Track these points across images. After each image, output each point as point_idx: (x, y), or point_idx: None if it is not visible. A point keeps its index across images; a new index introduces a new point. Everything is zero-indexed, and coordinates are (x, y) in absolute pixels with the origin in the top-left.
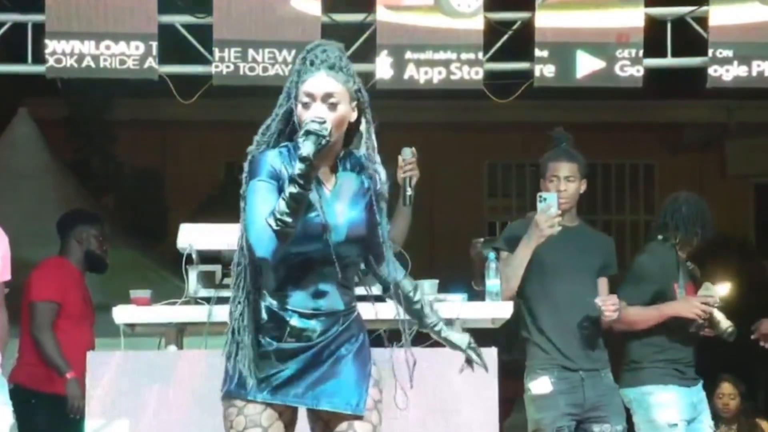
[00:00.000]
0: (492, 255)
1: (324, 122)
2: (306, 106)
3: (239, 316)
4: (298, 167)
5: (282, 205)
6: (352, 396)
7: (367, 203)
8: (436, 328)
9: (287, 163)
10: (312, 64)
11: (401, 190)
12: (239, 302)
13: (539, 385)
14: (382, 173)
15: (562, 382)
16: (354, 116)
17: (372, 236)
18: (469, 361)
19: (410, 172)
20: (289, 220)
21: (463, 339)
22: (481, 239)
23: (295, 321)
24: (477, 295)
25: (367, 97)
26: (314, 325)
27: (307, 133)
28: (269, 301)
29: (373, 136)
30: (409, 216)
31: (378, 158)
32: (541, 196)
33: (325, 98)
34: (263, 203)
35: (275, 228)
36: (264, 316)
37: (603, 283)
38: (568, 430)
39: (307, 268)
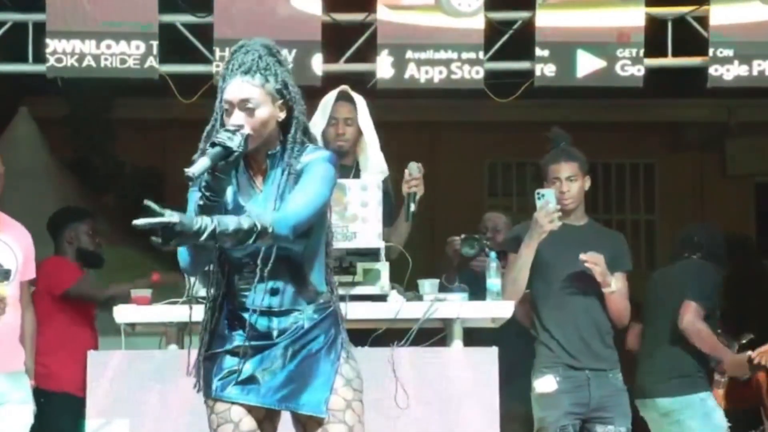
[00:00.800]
0: (493, 254)
1: (240, 128)
2: (227, 113)
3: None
4: (205, 179)
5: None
6: (313, 397)
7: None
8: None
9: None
10: (231, 69)
11: (404, 204)
12: (207, 305)
13: (544, 383)
14: (314, 157)
15: (566, 381)
16: (282, 114)
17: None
18: None
19: (415, 188)
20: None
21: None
22: (457, 237)
23: (253, 319)
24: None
25: (297, 92)
26: (271, 323)
27: (213, 144)
28: (232, 301)
29: (300, 131)
30: (407, 231)
31: (311, 148)
32: (538, 193)
33: (241, 105)
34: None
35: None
36: (228, 316)
37: (616, 278)
38: (572, 429)
39: (255, 267)
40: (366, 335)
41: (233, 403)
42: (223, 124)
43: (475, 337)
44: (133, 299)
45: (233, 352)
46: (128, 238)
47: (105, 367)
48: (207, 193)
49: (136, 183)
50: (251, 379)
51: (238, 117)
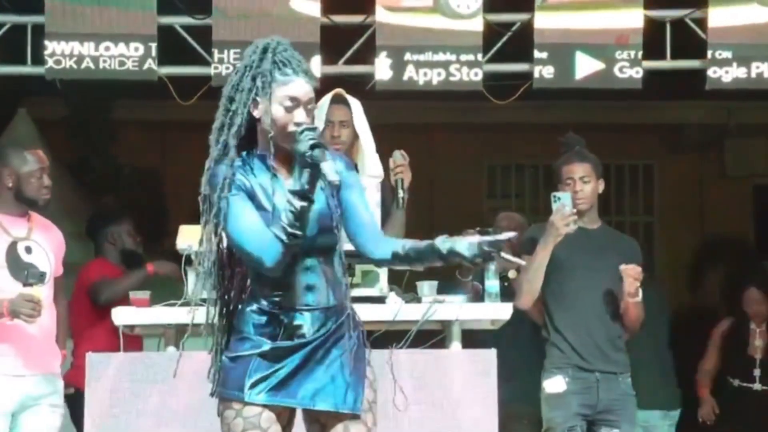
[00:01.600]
0: None
1: (315, 128)
2: (288, 110)
3: (215, 319)
4: (305, 179)
5: (291, 218)
6: (348, 396)
7: (329, 192)
8: (442, 247)
9: (244, 173)
10: (286, 65)
11: (393, 193)
12: (215, 305)
13: (553, 384)
14: (339, 161)
15: (576, 382)
16: None
17: (348, 222)
18: (491, 247)
19: (401, 174)
20: (299, 233)
21: (471, 244)
22: (472, 230)
23: (288, 318)
24: (465, 287)
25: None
26: (306, 321)
27: (314, 147)
28: (261, 301)
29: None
30: (402, 218)
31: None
32: (555, 196)
33: (306, 104)
34: (248, 215)
35: (286, 241)
36: (257, 316)
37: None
38: (580, 430)
39: (291, 264)
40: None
41: (266, 406)
42: (250, 116)
43: (480, 338)
44: (132, 301)
45: (264, 354)
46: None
47: (104, 369)
48: (308, 194)
49: (135, 184)
50: (285, 380)
51: (302, 115)
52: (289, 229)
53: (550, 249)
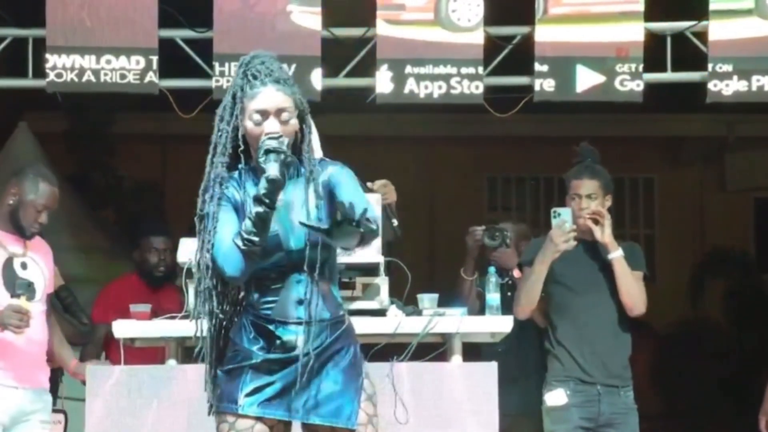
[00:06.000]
0: (492, 269)
1: (280, 136)
2: (258, 123)
3: (207, 334)
4: (264, 186)
5: (248, 225)
6: (343, 409)
7: (319, 204)
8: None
9: (238, 187)
10: (255, 78)
11: (387, 221)
12: (205, 319)
13: (554, 396)
14: (330, 166)
15: (577, 395)
16: (297, 126)
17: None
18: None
19: (388, 198)
20: (255, 239)
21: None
22: (479, 227)
23: (280, 331)
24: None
25: (307, 104)
26: (298, 334)
27: (267, 152)
28: (253, 314)
29: (314, 141)
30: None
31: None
32: (555, 211)
33: (278, 113)
34: (225, 225)
35: (242, 248)
36: (249, 329)
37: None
38: None
39: (282, 277)
40: (365, 350)
41: (258, 419)
42: (236, 133)
43: (485, 348)
44: (132, 314)
45: (257, 366)
46: (128, 253)
47: (104, 382)
48: (267, 200)
49: (135, 198)
50: (279, 394)
51: (274, 124)
52: (245, 235)
53: (548, 264)
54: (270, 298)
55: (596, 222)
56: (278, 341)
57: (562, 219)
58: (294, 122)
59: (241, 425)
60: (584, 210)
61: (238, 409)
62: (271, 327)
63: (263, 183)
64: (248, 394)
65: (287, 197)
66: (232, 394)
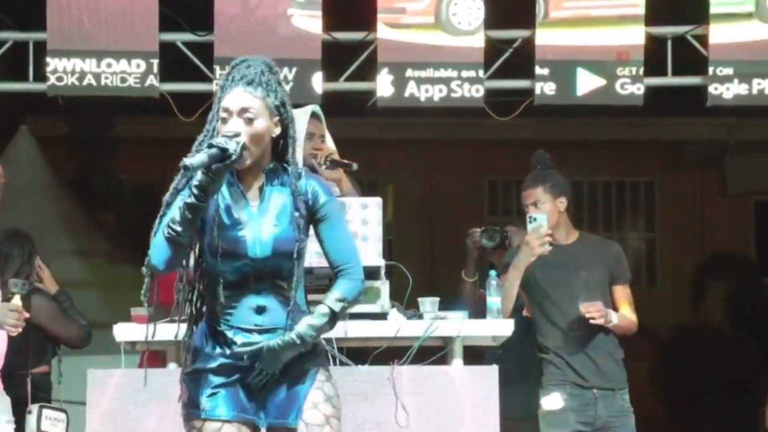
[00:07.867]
0: (493, 273)
1: (236, 135)
2: (224, 121)
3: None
4: (197, 178)
5: (176, 215)
6: (291, 410)
7: (297, 218)
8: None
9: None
10: (233, 80)
11: (343, 166)
12: (188, 323)
13: (551, 401)
14: (319, 189)
15: (573, 399)
16: (277, 131)
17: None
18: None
19: (331, 154)
20: (179, 228)
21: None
22: (478, 229)
23: (239, 337)
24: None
25: (291, 113)
26: (257, 340)
27: (210, 145)
28: (213, 320)
29: (297, 152)
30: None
31: (304, 172)
32: (531, 216)
33: (240, 113)
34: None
35: (166, 236)
36: (210, 334)
37: (617, 292)
38: None
39: (243, 284)
40: (366, 353)
41: (225, 422)
42: (217, 133)
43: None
44: (133, 318)
45: (216, 371)
46: (128, 256)
47: (105, 385)
48: (196, 192)
49: (135, 201)
50: (244, 396)
51: (235, 124)
52: (170, 223)
53: (522, 269)
54: (232, 303)
55: (602, 318)
56: (236, 346)
57: (539, 223)
58: (261, 124)
59: (208, 429)
60: (528, 214)
61: (201, 414)
62: (230, 333)
63: (198, 176)
64: (210, 397)
65: (265, 204)
66: (195, 400)
